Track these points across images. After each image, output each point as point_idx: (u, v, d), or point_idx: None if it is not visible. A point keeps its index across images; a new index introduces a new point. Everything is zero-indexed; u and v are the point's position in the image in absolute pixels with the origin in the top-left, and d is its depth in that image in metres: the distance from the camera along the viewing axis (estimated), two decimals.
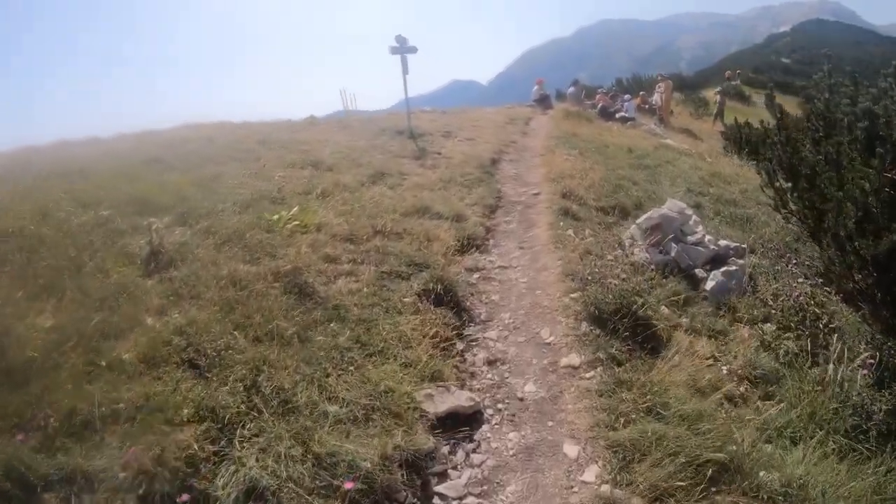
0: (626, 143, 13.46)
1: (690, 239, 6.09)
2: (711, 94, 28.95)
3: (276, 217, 5.89)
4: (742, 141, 16.86)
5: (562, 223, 6.78)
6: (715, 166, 13.01)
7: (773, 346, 5.02)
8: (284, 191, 6.94)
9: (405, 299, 4.71)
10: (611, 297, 4.46)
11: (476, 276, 5.55)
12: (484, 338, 4.56)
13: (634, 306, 4.36)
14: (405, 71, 11.87)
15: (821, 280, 6.00)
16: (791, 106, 38.70)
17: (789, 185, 7.74)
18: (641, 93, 25.66)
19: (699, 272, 5.92)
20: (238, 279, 4.69)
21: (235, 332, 3.92)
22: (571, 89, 20.92)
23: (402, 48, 11.70)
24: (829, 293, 6.03)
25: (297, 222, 5.85)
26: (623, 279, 4.66)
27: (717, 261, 6.11)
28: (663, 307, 5.11)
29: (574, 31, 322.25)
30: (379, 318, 4.41)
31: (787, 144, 7.49)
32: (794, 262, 7.43)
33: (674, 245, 5.93)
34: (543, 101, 21.01)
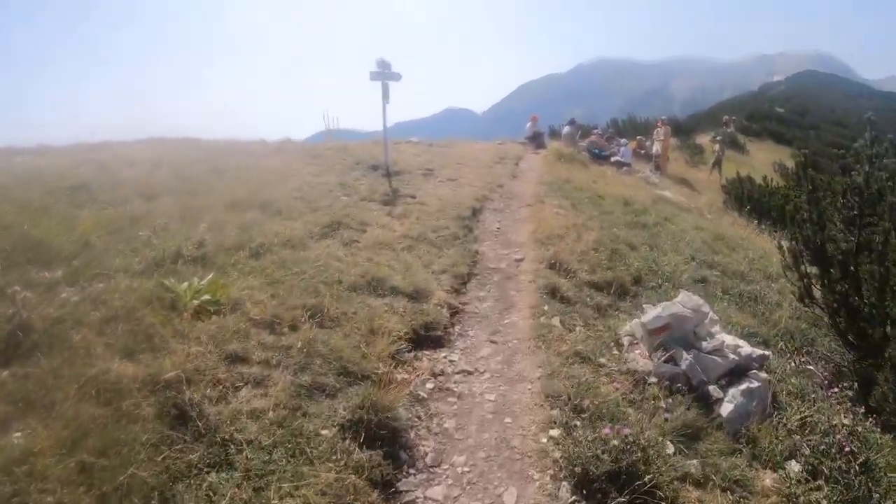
0: (622, 193, 12.36)
1: (706, 346, 4.86)
2: (708, 142, 28.19)
3: (182, 287, 4.57)
4: (743, 197, 15.88)
5: (546, 307, 5.56)
6: (717, 226, 11.94)
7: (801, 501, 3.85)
8: (210, 244, 5.63)
9: (322, 432, 3.42)
10: (606, 456, 3.18)
11: (430, 385, 4.27)
12: (425, 498, 3.24)
13: (636, 476, 3.08)
14: (386, 99, 10.70)
15: (863, 410, 4.78)
16: (783, 155, 38.38)
17: (816, 270, 6.63)
18: (638, 137, 24.81)
19: (713, 390, 4.68)
20: (105, 387, 3.40)
21: (80, 479, 2.68)
22: (567, 129, 19.91)
23: (384, 73, 10.54)
24: (874, 425, 4.81)
25: (207, 296, 4.53)
26: (620, 429, 3.38)
27: (735, 373, 4.88)
28: (668, 444, 3.86)
29: (571, 67, 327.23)
30: (279, 468, 3.11)
31: (817, 223, 6.37)
32: (814, 359, 6.30)
33: (685, 354, 4.71)
34: (536, 139, 20.07)
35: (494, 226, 8.72)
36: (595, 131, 23.20)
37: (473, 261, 6.90)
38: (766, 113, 53.46)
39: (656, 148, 20.33)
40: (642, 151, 21.44)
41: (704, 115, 54.33)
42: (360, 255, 6.18)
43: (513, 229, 8.59)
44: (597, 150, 19.10)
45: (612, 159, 18.57)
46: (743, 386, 4.72)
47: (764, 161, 32.98)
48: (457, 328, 5.25)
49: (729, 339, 5.16)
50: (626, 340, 5.16)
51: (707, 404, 4.60)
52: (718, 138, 25.86)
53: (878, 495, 3.93)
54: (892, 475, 4.11)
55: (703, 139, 30.90)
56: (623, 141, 20.01)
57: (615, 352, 5.01)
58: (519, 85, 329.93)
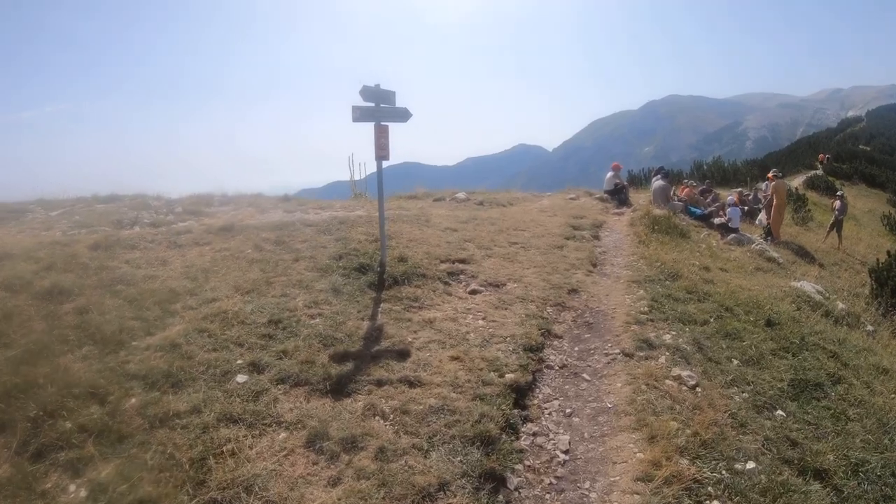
0: (750, 292, 8.02)
1: None
2: (830, 200, 22.40)
3: None
4: None
5: None
6: None
7: None
8: None
9: None
10: None
11: None
12: None
13: None
14: (380, 148, 6.43)
15: None
16: (879, 202, 32.04)
17: None
18: (738, 189, 19.70)
19: None
20: None
21: None
22: (659, 183, 15.14)
23: (377, 110, 6.30)
24: None
25: None
26: None
27: None
28: None
29: (643, 104, 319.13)
30: None
31: None
32: None
33: None
34: (619, 194, 15.83)
35: (559, 442, 4.13)
36: (688, 182, 18.32)
37: None
38: (853, 152, 46.58)
39: (762, 217, 15.60)
40: (745, 208, 16.61)
41: (785, 155, 48.07)
42: None
43: (596, 448, 4.01)
44: (694, 209, 14.43)
45: (716, 221, 14.12)
46: None
47: (861, 209, 27.00)
48: None
49: None
50: None
51: None
52: (840, 193, 20.26)
53: None
54: None
55: (792, 183, 26.33)
56: (730, 199, 15.15)
57: None
58: (589, 122, 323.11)
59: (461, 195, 13.40)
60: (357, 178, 14.99)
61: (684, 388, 4.95)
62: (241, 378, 4.28)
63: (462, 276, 7.28)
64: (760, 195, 18.03)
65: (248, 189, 11.47)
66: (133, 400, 3.97)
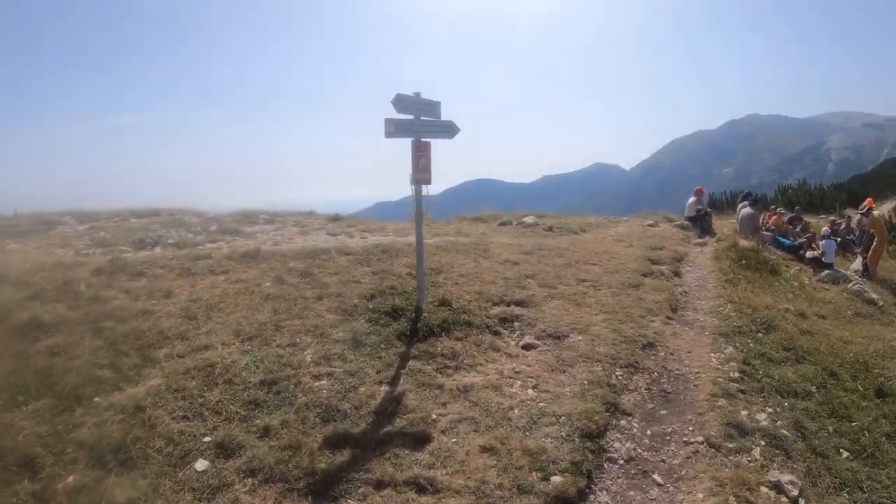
0: (855, 349, 6.55)
1: None
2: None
3: None
4: None
5: None
6: None
7: None
8: None
9: None
10: None
11: None
12: None
13: None
14: (420, 170, 5.40)
15: None
16: None
17: None
18: (830, 217, 17.33)
19: None
20: None
21: None
22: (747, 210, 13.31)
23: (416, 124, 5.27)
24: None
25: None
26: None
27: None
28: None
29: (721, 123, 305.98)
30: None
31: None
32: None
33: None
34: (701, 221, 14.17)
35: None
36: (776, 209, 16.14)
37: None
38: None
39: (856, 263, 13.35)
40: (838, 240, 14.35)
41: (871, 178, 43.07)
42: None
43: None
44: (783, 240, 12.81)
45: (807, 255, 12.31)
46: None
47: None
48: None
49: None
50: None
51: None
52: None
53: None
54: None
55: (883, 208, 22.61)
56: (825, 231, 13.15)
57: None
58: (667, 141, 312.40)
59: (529, 219, 12.14)
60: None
61: (783, 499, 3.54)
62: (200, 465, 3.29)
63: (516, 324, 6.04)
64: (854, 225, 15.58)
65: (320, 204, 10.80)
66: (70, 479, 3.13)
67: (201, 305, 5.20)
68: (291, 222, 9.62)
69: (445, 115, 5.71)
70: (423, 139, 5.38)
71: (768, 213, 14.93)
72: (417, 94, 5.32)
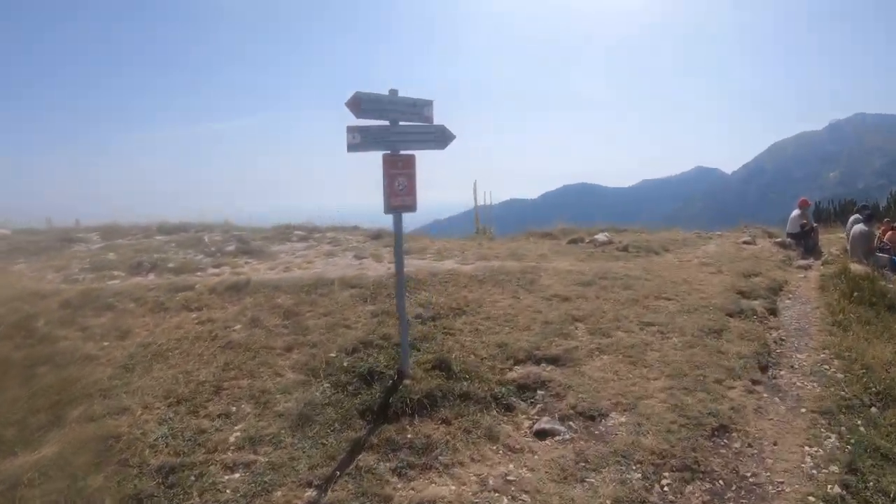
0: None
1: None
2: None
3: None
4: None
5: None
6: None
7: None
8: None
9: None
10: None
11: None
12: None
13: None
14: (396, 194, 4.26)
15: None
16: None
17: None
18: None
19: None
20: None
21: None
22: (860, 228, 10.88)
23: (390, 132, 4.15)
24: None
25: None
26: None
27: None
28: None
29: (826, 124, 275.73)
30: None
31: None
32: None
33: None
34: (806, 238, 12.05)
35: None
36: (891, 223, 12.95)
37: None
38: None
39: None
40: None
41: None
42: None
43: None
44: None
45: None
46: None
47: None
48: None
49: None
50: None
51: None
52: None
53: None
54: None
55: None
56: None
57: None
58: (770, 144, 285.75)
59: (602, 237, 10.48)
60: (482, 202, 12.86)
61: None
62: None
63: (539, 395, 4.68)
64: None
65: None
66: None
67: (149, 353, 4.48)
68: (327, 239, 8.90)
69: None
70: (402, 151, 4.28)
71: (883, 227, 12.03)
72: (394, 92, 4.19)
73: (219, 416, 3.83)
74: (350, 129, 3.96)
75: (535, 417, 4.41)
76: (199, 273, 6.48)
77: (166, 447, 3.47)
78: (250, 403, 3.99)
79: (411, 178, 4.30)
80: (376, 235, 9.28)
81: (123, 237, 8.16)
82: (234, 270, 6.66)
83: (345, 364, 4.52)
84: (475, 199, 12.38)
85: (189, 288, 5.65)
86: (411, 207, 4.34)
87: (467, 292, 6.43)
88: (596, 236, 10.47)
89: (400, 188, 4.22)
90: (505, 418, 4.31)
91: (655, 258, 9.69)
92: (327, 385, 4.25)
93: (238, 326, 5.00)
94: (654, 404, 4.53)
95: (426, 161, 4.52)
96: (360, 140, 3.95)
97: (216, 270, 6.64)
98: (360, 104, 3.99)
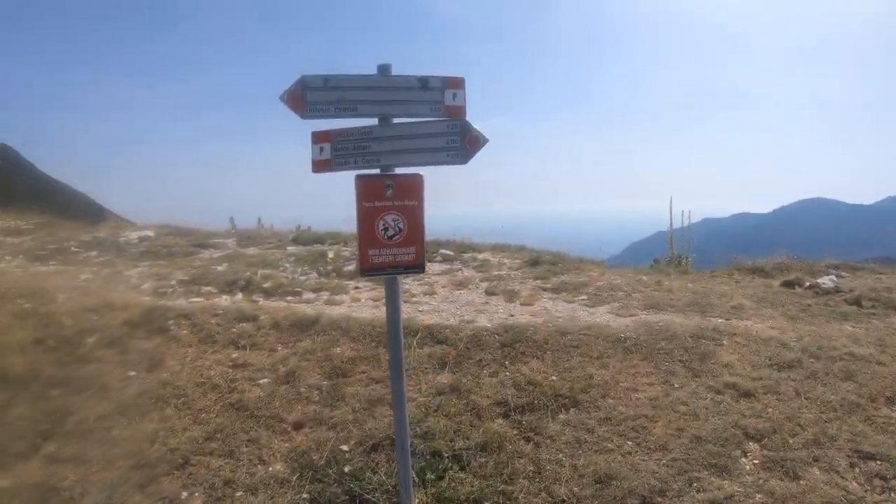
0: None
1: None
2: None
3: None
4: None
5: None
6: None
7: None
8: None
9: None
10: None
11: None
12: None
13: None
14: (372, 232, 2.78)
15: None
16: None
17: None
18: None
19: None
20: None
21: None
22: None
23: (365, 146, 2.80)
24: None
25: None
26: None
27: None
28: None
29: None
30: None
31: None
32: None
33: None
34: None
35: None
36: None
37: None
38: None
39: None
40: None
41: None
42: None
43: None
44: None
45: None
46: None
47: None
48: None
49: None
50: None
51: None
52: None
53: None
54: None
55: None
56: None
57: None
58: None
59: (827, 281, 7.11)
60: (683, 225, 10.38)
61: None
62: None
63: None
64: None
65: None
66: None
67: (157, 396, 3.85)
68: (476, 262, 7.71)
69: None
70: (397, 170, 2.77)
71: None
72: (385, 69, 2.68)
73: (160, 499, 2.97)
74: (315, 137, 2.64)
75: None
76: (289, 297, 5.87)
77: None
78: (203, 496, 3.02)
79: (413, 215, 2.76)
80: (533, 261, 7.74)
81: (257, 245, 8.14)
82: (330, 297, 5.90)
83: (345, 470, 3.25)
84: (670, 218, 9.95)
85: (251, 319, 5.00)
86: (411, 266, 2.79)
87: (596, 368, 4.60)
88: (819, 280, 7.25)
89: (389, 235, 2.75)
90: None
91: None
92: (304, 497, 3.05)
93: (265, 380, 4.11)
94: None
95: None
96: (332, 155, 2.61)
97: (312, 295, 5.97)
98: (304, 94, 2.56)
